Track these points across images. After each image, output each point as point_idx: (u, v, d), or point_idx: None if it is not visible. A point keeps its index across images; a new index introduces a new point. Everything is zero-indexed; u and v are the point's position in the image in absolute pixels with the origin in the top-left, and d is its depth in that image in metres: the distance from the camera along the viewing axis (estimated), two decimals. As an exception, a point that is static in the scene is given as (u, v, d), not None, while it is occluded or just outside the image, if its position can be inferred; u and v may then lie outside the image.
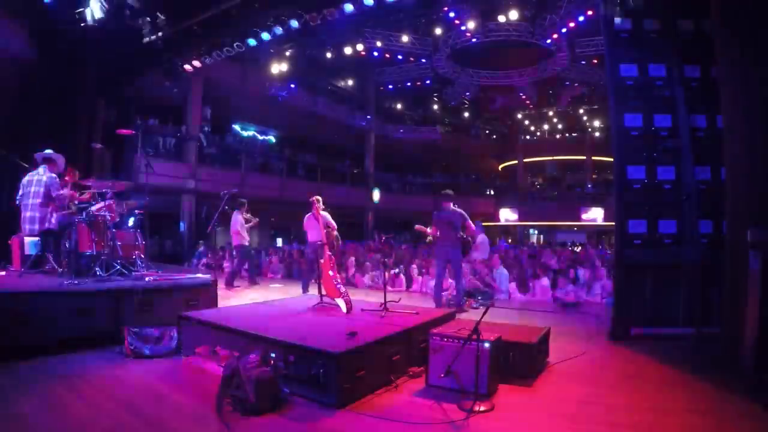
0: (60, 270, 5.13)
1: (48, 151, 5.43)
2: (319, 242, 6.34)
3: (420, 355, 3.50)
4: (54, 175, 5.29)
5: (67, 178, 5.90)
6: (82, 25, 7.31)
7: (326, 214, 6.57)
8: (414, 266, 8.70)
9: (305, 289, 7.25)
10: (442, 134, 25.89)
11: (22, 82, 7.21)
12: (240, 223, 8.38)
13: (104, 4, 6.87)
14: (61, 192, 5.26)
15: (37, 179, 5.18)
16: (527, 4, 14.71)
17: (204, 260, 11.42)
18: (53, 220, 5.28)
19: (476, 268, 7.78)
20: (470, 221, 6.09)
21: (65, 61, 7.81)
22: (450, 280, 6.63)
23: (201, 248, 12.40)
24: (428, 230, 6.03)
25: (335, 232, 6.86)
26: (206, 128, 16.16)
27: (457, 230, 5.93)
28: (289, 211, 16.55)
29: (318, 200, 5.87)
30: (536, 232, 26.32)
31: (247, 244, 8.48)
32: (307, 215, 6.99)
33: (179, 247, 14.52)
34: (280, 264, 10.97)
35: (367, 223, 21.51)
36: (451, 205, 6.10)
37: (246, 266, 8.99)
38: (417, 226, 6.22)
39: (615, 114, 4.93)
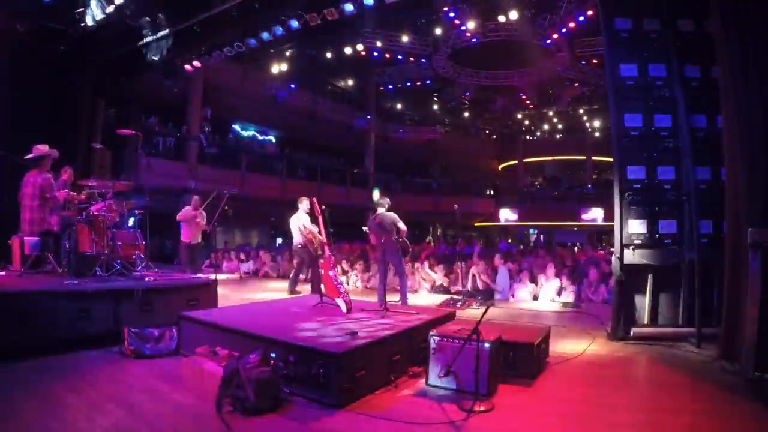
0: (60, 270, 5.13)
1: (36, 149, 5.37)
2: (300, 244, 6.51)
3: (420, 355, 3.50)
4: (48, 175, 5.25)
5: (64, 177, 5.88)
6: (81, 25, 7.30)
7: (304, 216, 6.74)
8: (408, 265, 8.70)
9: (292, 290, 7.17)
10: (442, 134, 25.89)
11: (22, 82, 7.21)
12: (187, 216, 7.69)
13: (104, 3, 6.86)
14: (55, 194, 5.23)
15: (32, 180, 5.18)
16: (527, 4, 14.72)
17: (207, 261, 11.40)
18: (52, 221, 5.27)
19: (477, 270, 7.78)
20: (401, 223, 5.92)
21: (65, 61, 7.81)
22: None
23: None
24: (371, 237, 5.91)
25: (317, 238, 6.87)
26: (206, 128, 16.15)
27: (392, 234, 5.79)
28: (289, 211, 16.56)
29: (301, 200, 5.95)
30: (536, 232, 26.32)
31: (191, 242, 7.70)
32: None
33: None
34: (273, 263, 10.96)
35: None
36: (384, 210, 5.98)
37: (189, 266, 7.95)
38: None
39: (615, 114, 4.93)
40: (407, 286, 6.04)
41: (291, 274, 7.62)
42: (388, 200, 6.22)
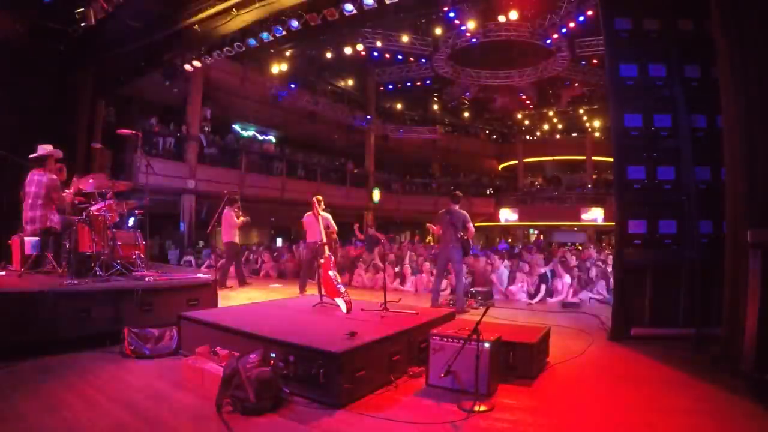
0: (60, 270, 5.12)
1: (40, 149, 5.35)
2: (317, 242, 6.38)
3: (420, 355, 3.50)
4: (54, 176, 5.23)
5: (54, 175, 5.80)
6: (82, 24, 7.30)
7: (327, 215, 6.59)
8: (407, 264, 8.71)
9: (302, 290, 7.23)
10: (442, 134, 25.87)
11: (23, 82, 7.20)
12: (231, 219, 8.09)
13: (104, 3, 6.86)
14: (62, 194, 5.23)
15: (37, 179, 5.16)
16: (527, 4, 14.73)
17: (207, 261, 11.38)
18: (55, 219, 5.24)
19: (476, 270, 7.78)
20: (471, 224, 6.21)
21: (65, 61, 7.81)
22: (444, 281, 6.77)
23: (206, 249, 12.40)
24: (434, 228, 6.26)
25: (335, 235, 6.90)
26: (206, 128, 16.14)
27: (458, 231, 6.01)
28: (289, 211, 16.57)
29: (319, 200, 5.79)
30: (536, 232, 26.32)
31: (237, 241, 8.21)
32: (306, 214, 6.99)
33: (179, 247, 14.52)
34: (273, 263, 10.96)
35: (368, 223, 21.52)
36: (457, 206, 6.21)
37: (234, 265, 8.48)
38: (429, 225, 6.46)
39: (615, 114, 4.93)
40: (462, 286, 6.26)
41: (302, 273, 7.61)
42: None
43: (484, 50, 17.47)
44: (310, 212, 6.68)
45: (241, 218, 8.11)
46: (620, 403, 2.97)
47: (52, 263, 5.23)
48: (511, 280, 7.62)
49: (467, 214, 6.22)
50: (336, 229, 7.05)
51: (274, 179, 17.47)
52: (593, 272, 7.39)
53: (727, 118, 4.05)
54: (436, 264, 6.68)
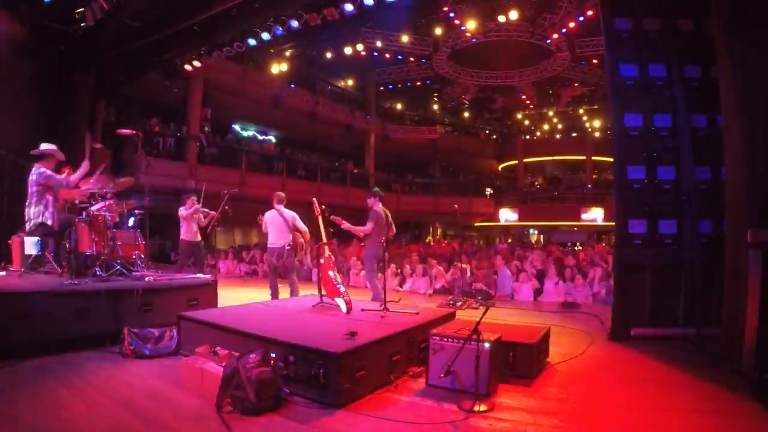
0: (60, 270, 5.12)
1: (43, 146, 5.29)
2: (285, 245, 6.22)
3: (420, 355, 3.50)
4: (43, 169, 5.12)
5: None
6: (82, 24, 7.30)
7: (293, 214, 6.54)
8: (406, 265, 8.71)
9: (275, 295, 6.38)
10: (442, 134, 25.89)
11: (22, 82, 7.20)
12: (183, 215, 7.33)
13: (104, 3, 6.86)
14: (60, 177, 5.10)
15: (31, 178, 5.14)
16: (527, 4, 14.74)
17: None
18: (47, 215, 5.18)
19: (478, 269, 7.78)
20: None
21: (65, 61, 7.81)
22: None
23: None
24: (360, 229, 6.06)
25: (300, 240, 6.70)
26: (206, 128, 16.14)
27: (389, 231, 6.06)
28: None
29: (281, 197, 5.89)
30: (536, 232, 26.33)
31: (192, 240, 7.31)
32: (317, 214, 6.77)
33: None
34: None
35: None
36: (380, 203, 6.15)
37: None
38: (334, 217, 5.57)
39: (615, 114, 4.94)
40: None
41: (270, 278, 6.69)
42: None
43: (484, 50, 17.47)
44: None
45: (197, 212, 7.19)
46: (620, 403, 2.97)
47: (52, 263, 5.23)
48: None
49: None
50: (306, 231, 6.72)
51: (274, 179, 17.45)
52: (599, 273, 7.38)
53: (727, 117, 4.05)
54: (366, 263, 6.35)
